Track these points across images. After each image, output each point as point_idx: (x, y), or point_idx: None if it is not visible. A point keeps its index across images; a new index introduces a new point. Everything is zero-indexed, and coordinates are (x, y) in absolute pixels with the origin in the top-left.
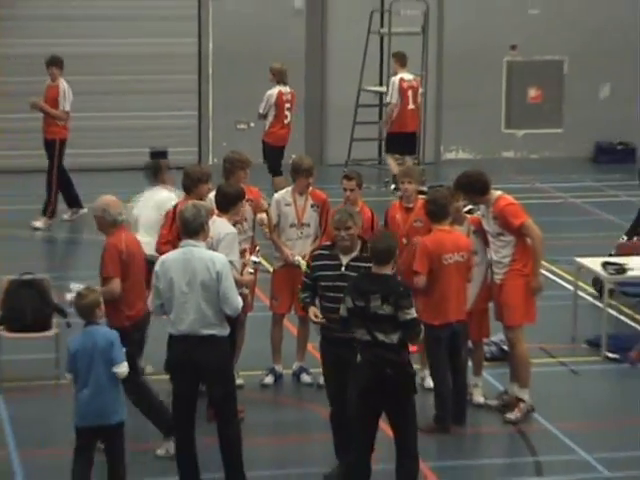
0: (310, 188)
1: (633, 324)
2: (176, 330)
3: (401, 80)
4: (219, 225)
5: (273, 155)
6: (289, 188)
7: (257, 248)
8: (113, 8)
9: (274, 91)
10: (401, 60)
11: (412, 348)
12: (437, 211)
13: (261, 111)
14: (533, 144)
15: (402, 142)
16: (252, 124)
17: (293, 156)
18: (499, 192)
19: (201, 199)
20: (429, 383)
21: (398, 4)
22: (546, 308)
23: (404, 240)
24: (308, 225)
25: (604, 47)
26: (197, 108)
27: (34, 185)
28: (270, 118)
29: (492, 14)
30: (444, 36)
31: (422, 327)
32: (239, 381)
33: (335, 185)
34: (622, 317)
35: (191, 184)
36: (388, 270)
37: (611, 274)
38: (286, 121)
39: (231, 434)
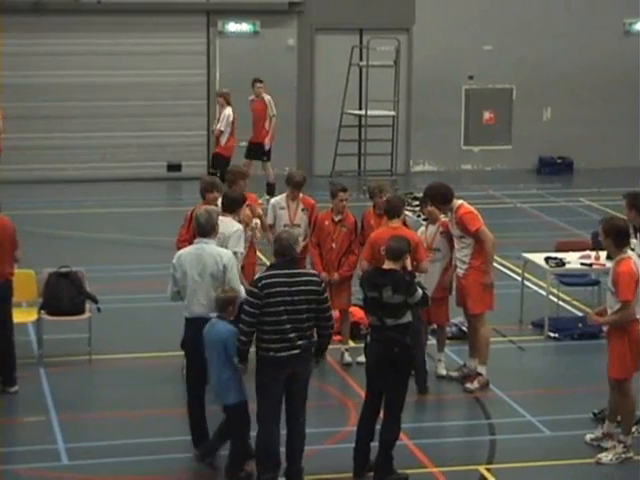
0: (301, 195)
1: (570, 309)
2: (189, 313)
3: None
4: (227, 224)
5: (226, 165)
6: (283, 195)
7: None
8: (135, 45)
9: (229, 111)
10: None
11: None
12: (390, 210)
13: (222, 129)
14: (487, 158)
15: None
16: None
17: (287, 169)
18: (460, 201)
19: (210, 203)
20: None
21: (374, 41)
22: (498, 296)
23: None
24: (299, 226)
25: (546, 77)
26: (206, 128)
27: None
28: (227, 134)
29: (453, 50)
30: (413, 68)
31: (428, 295)
32: None
33: (322, 192)
34: (561, 303)
35: (204, 190)
36: (397, 266)
37: (552, 267)
38: (235, 136)
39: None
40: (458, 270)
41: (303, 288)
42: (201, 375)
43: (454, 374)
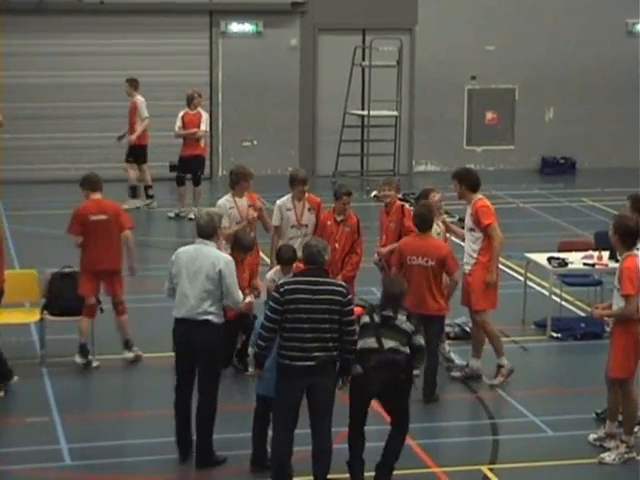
0: (306, 195)
1: (573, 309)
2: (178, 313)
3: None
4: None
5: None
6: (289, 196)
7: (257, 291)
8: (137, 45)
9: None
10: (135, 85)
11: None
12: (419, 224)
13: (206, 129)
14: (490, 158)
15: (141, 153)
16: (255, 142)
17: (289, 169)
18: (481, 195)
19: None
20: None
21: (377, 41)
22: (501, 296)
23: (384, 237)
24: (306, 226)
25: (549, 77)
26: (209, 128)
27: None
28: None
29: (455, 50)
30: (415, 68)
31: (425, 354)
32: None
33: (325, 192)
34: (564, 303)
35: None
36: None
37: (555, 267)
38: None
39: (208, 407)
40: (465, 266)
41: (326, 297)
42: (189, 376)
43: (457, 374)
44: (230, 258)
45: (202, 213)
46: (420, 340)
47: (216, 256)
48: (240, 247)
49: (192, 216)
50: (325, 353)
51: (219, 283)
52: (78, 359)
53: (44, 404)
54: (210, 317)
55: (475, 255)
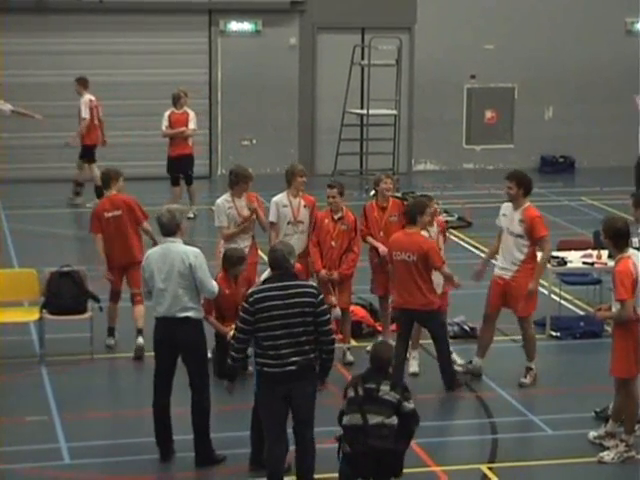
0: (302, 193)
1: (572, 308)
2: (157, 313)
3: (90, 100)
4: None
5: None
6: (285, 192)
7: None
8: (136, 44)
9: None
10: (84, 84)
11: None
12: (406, 214)
13: (195, 127)
14: (489, 157)
15: (92, 152)
16: (254, 141)
17: (286, 166)
18: (529, 202)
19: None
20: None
21: (376, 40)
22: None
23: (381, 233)
24: (302, 222)
25: (548, 76)
26: (208, 127)
27: None
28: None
29: (455, 49)
30: (415, 67)
31: (419, 417)
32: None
33: (324, 191)
34: (563, 302)
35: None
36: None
37: (554, 266)
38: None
39: (202, 404)
40: (501, 271)
41: (298, 300)
42: (169, 375)
43: (459, 368)
44: (199, 250)
45: (163, 211)
46: (409, 405)
47: (184, 251)
48: (230, 262)
49: (191, 215)
50: (303, 357)
51: (192, 277)
52: (109, 341)
53: (43, 403)
54: (190, 313)
55: (519, 262)
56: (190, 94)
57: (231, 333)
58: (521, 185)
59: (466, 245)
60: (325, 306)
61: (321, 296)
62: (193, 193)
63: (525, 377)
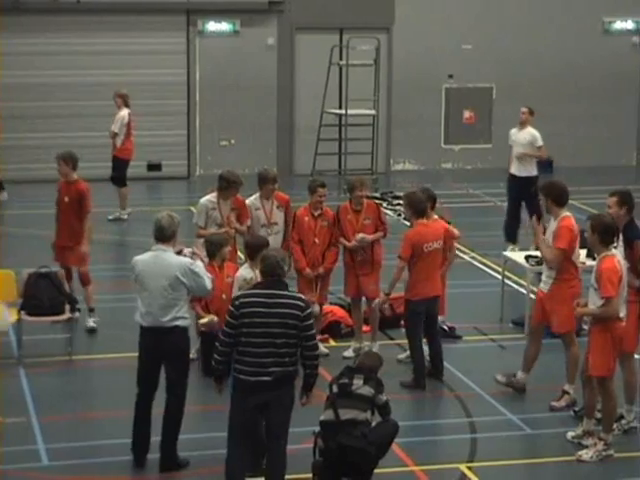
0: (275, 192)
1: None
2: (144, 322)
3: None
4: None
5: (124, 168)
6: (257, 195)
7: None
8: (114, 44)
9: (125, 113)
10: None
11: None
12: (417, 212)
13: (117, 130)
14: (467, 157)
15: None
16: (233, 141)
17: (266, 167)
18: (568, 213)
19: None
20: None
21: (354, 40)
22: (479, 294)
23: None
24: (276, 224)
25: (526, 76)
26: (186, 128)
27: None
28: (122, 136)
29: (433, 49)
30: (393, 67)
31: (390, 409)
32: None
33: (303, 191)
34: None
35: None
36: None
37: (532, 265)
38: (132, 138)
39: (176, 411)
40: (542, 284)
41: (281, 311)
42: (152, 384)
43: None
44: (184, 260)
45: (164, 214)
46: (382, 398)
47: (169, 264)
48: (214, 247)
49: (112, 217)
50: (281, 368)
51: (181, 287)
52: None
53: (21, 404)
54: (179, 322)
55: (554, 275)
56: (166, 94)
57: (206, 320)
58: (548, 196)
59: None
60: (311, 321)
61: (308, 310)
62: (121, 196)
63: (558, 400)
